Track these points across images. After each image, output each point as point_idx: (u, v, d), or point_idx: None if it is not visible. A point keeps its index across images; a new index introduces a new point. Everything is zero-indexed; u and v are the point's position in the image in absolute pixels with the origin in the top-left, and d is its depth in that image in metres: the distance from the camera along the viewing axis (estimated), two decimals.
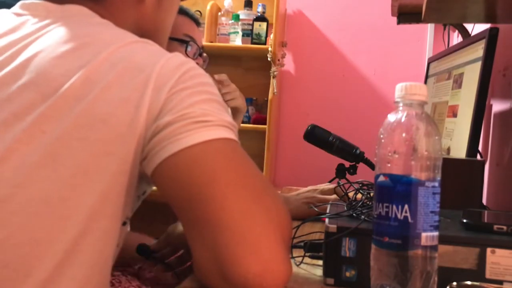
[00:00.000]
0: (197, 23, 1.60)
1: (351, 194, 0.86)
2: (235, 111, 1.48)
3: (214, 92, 0.60)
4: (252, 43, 2.35)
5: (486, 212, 0.81)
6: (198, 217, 0.54)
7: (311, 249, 0.76)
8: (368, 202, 0.76)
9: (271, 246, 0.53)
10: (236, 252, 0.52)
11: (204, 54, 1.61)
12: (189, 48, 1.51)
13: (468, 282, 0.60)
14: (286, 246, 0.56)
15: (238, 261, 0.52)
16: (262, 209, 0.55)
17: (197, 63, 1.55)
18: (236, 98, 1.47)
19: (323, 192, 1.20)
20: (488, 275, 0.61)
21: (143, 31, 0.71)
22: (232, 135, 0.58)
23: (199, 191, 0.53)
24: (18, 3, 0.67)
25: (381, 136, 0.55)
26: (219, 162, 0.55)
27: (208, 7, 2.45)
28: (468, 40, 1.14)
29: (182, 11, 1.56)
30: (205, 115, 0.56)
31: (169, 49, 1.72)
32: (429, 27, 2.30)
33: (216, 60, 2.47)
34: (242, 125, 1.81)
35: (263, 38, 2.35)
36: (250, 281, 0.52)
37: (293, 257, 0.78)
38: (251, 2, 2.43)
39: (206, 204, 0.53)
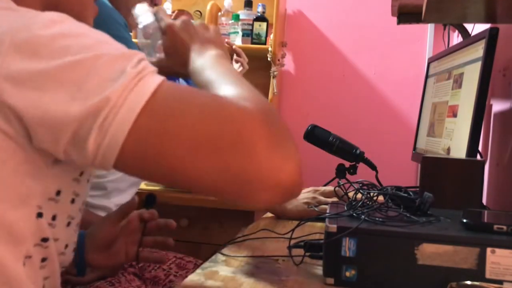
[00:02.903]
0: None
1: (351, 194, 0.86)
2: None
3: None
4: (252, 43, 2.35)
5: (486, 212, 0.81)
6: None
7: (311, 249, 0.76)
8: (368, 202, 0.76)
9: (258, 165, 0.51)
10: (240, 194, 0.52)
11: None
12: None
13: (468, 282, 0.60)
14: (272, 147, 0.52)
15: (248, 197, 0.53)
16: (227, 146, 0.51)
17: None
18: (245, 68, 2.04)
19: (324, 193, 1.20)
20: (488, 275, 0.61)
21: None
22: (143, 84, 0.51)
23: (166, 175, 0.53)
24: None
25: None
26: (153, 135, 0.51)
27: (208, 7, 2.45)
28: (468, 40, 1.14)
29: None
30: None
31: None
32: (429, 27, 2.30)
33: None
34: None
35: (263, 38, 2.35)
36: (273, 195, 0.52)
37: (292, 257, 0.78)
38: (251, 2, 2.43)
39: (182, 180, 0.53)
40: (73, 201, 0.62)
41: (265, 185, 0.51)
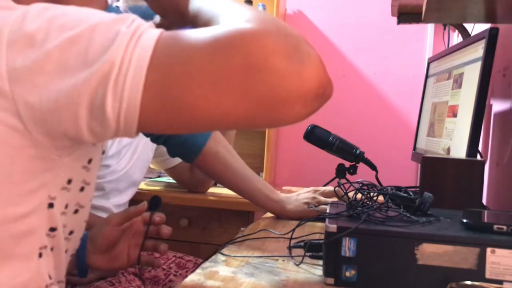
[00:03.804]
0: None
1: (351, 194, 0.86)
2: None
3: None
4: None
5: (486, 212, 0.81)
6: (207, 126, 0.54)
7: (311, 249, 0.76)
8: (368, 202, 0.76)
9: (275, 79, 0.49)
10: (261, 111, 0.51)
11: None
12: None
13: (468, 282, 0.60)
14: (286, 55, 0.50)
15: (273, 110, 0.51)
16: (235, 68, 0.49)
17: None
18: None
19: (324, 193, 1.20)
20: (488, 275, 0.61)
21: None
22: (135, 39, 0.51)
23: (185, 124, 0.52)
24: None
25: None
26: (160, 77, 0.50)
27: None
28: (468, 40, 1.14)
29: None
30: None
31: None
32: (429, 27, 2.30)
33: None
34: None
35: None
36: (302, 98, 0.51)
37: (292, 257, 0.78)
38: (251, 2, 2.43)
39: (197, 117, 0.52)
40: (82, 189, 0.63)
41: (291, 97, 0.50)
